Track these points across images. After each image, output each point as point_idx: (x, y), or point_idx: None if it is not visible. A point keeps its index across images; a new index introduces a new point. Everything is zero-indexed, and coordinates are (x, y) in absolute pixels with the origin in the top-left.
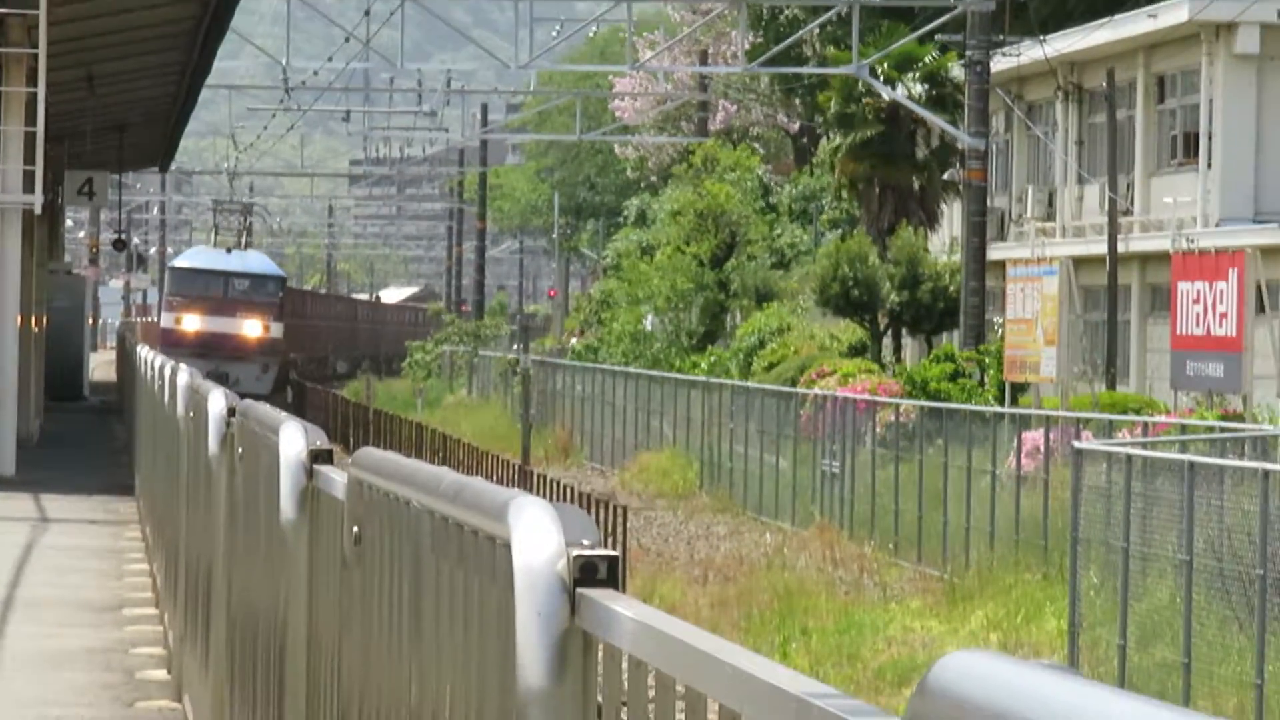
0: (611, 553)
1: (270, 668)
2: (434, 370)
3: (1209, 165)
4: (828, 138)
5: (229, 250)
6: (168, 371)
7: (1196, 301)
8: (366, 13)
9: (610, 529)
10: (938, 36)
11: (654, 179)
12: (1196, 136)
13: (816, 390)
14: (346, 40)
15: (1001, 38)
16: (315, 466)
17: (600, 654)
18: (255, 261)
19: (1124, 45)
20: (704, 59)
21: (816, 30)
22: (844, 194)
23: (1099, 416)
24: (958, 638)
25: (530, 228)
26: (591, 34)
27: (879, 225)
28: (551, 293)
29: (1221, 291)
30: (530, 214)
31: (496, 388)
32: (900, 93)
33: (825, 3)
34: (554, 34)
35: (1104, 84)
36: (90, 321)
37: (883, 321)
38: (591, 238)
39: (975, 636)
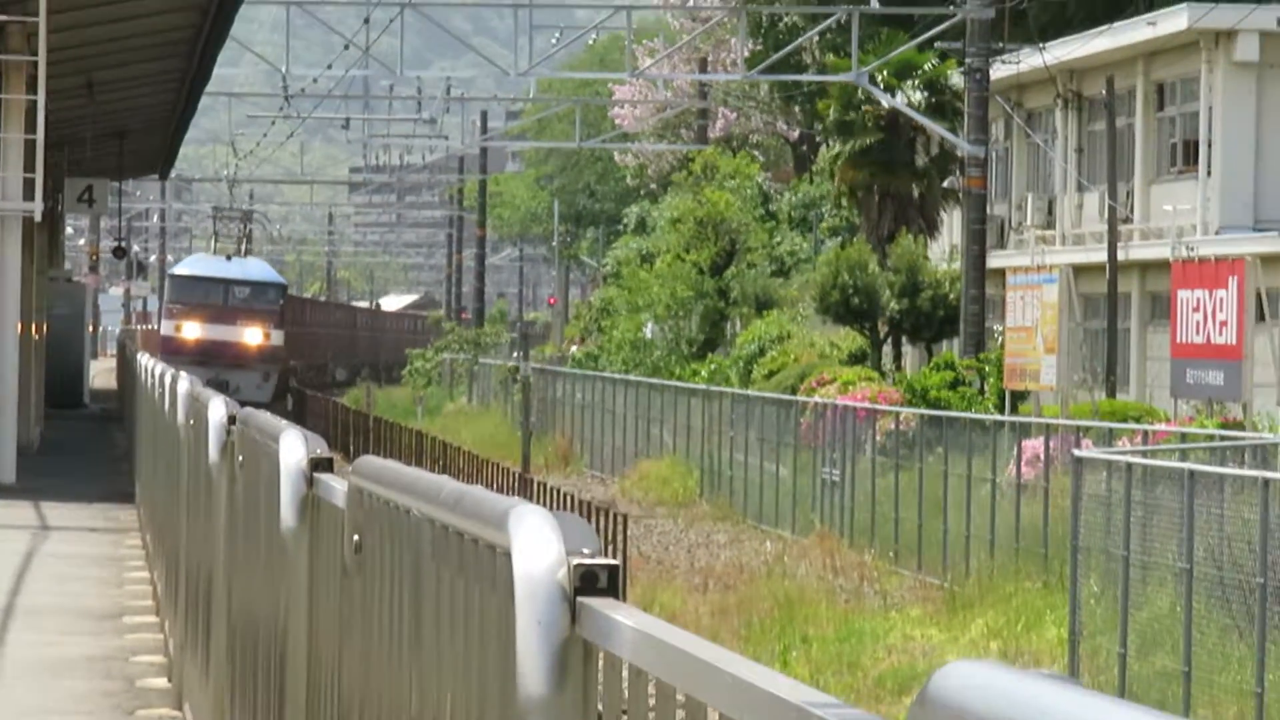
0: (612, 561)
1: (271, 675)
2: (434, 378)
3: (1209, 173)
4: (827, 145)
5: (229, 257)
6: (168, 379)
7: (1196, 309)
8: (366, 20)
9: (610, 537)
10: (937, 44)
11: (654, 186)
12: (1196, 144)
13: (816, 398)
14: (346, 48)
15: (1001, 45)
16: (316, 475)
17: (601, 663)
18: (255, 269)
19: (1123, 53)
20: (703, 66)
21: (816, 38)
22: (844, 202)
23: (1099, 424)
24: (958, 646)
25: (530, 235)
26: (591, 41)
27: (879, 233)
28: (551, 300)
29: (1221, 299)
30: (530, 221)
31: (496, 395)
32: (900, 100)
33: (825, 10)
34: (554, 41)
35: (1103, 91)
36: (90, 329)
37: (883, 329)
38: (591, 245)
39: (975, 645)
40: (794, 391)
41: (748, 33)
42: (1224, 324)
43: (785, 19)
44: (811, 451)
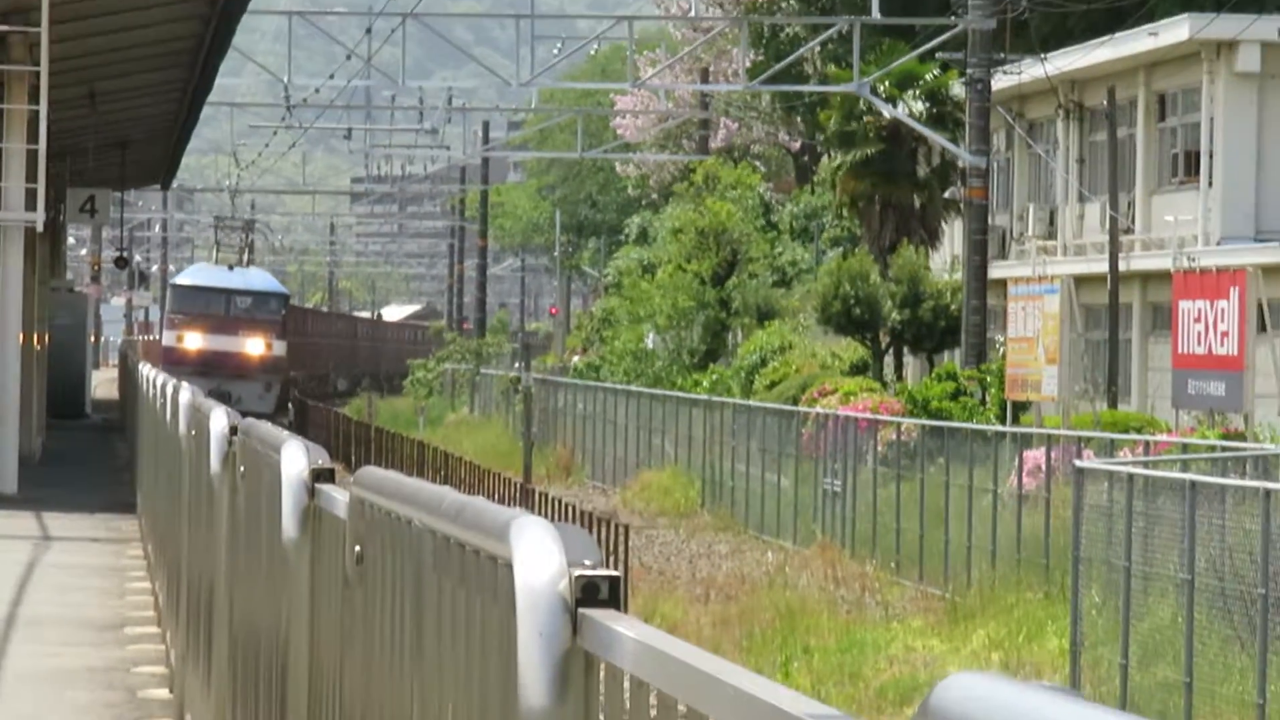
0: (613, 573)
1: (272, 686)
2: (436, 388)
3: (1210, 184)
4: (829, 156)
5: (231, 267)
6: (170, 389)
7: (1198, 320)
8: (368, 30)
9: (612, 548)
10: (938, 54)
11: (655, 197)
12: (1197, 155)
13: (818, 409)
14: (348, 58)
15: (1002, 56)
16: (317, 485)
17: (602, 674)
18: (258, 279)
19: (1125, 63)
20: (705, 77)
21: (817, 48)
22: (845, 212)
23: (1100, 435)
24: (959, 657)
25: (532, 245)
26: (593, 52)
27: (880, 243)
28: (553, 311)
29: (1223, 310)
30: (532, 232)
31: (498, 406)
32: (901, 111)
33: (826, 21)
34: (555, 52)
35: (1105, 102)
36: (92, 339)
37: (884, 340)
38: (593, 255)
39: (977, 655)
40: (795, 402)
41: (749, 43)
42: (1225, 335)
43: (787, 30)
44: (813, 462)
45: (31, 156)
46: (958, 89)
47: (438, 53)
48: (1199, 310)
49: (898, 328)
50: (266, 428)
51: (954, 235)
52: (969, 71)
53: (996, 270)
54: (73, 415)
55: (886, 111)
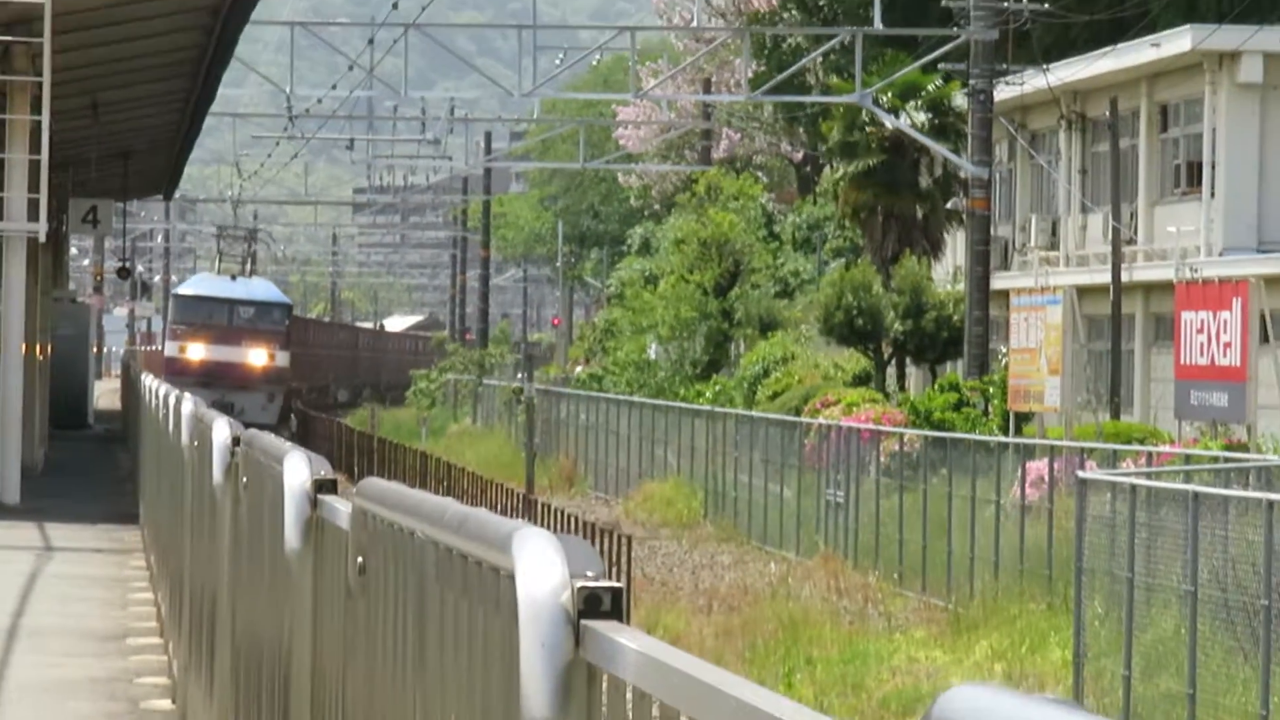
0: (615, 584)
1: (275, 697)
2: (438, 399)
3: (1212, 194)
4: (831, 166)
5: (234, 277)
6: (172, 400)
7: (1200, 331)
8: (370, 41)
9: (614, 559)
10: (941, 65)
11: (657, 207)
12: (1200, 166)
13: (821, 420)
14: (350, 68)
15: (1004, 67)
16: (320, 496)
17: (604, 686)
18: (260, 289)
19: (1127, 74)
20: (707, 87)
21: (819, 59)
22: (847, 223)
23: (1103, 446)
24: (962, 668)
25: (534, 256)
26: (595, 62)
27: (882, 254)
28: (555, 321)
29: (1225, 321)
30: (534, 242)
31: (501, 417)
32: (903, 121)
33: (828, 31)
34: (557, 62)
35: (1107, 113)
36: (94, 350)
37: (886, 351)
38: (595, 266)
39: (980, 667)
40: (798, 413)
41: (751, 54)
42: (1228, 345)
43: (789, 40)
44: (816, 473)
45: (34, 167)
46: (960, 100)
47: (440, 63)
48: (1201, 321)
49: (900, 338)
50: (269, 439)
51: (956, 246)
52: (971, 82)
53: (999, 281)
54: (75, 426)
55: (889, 122)
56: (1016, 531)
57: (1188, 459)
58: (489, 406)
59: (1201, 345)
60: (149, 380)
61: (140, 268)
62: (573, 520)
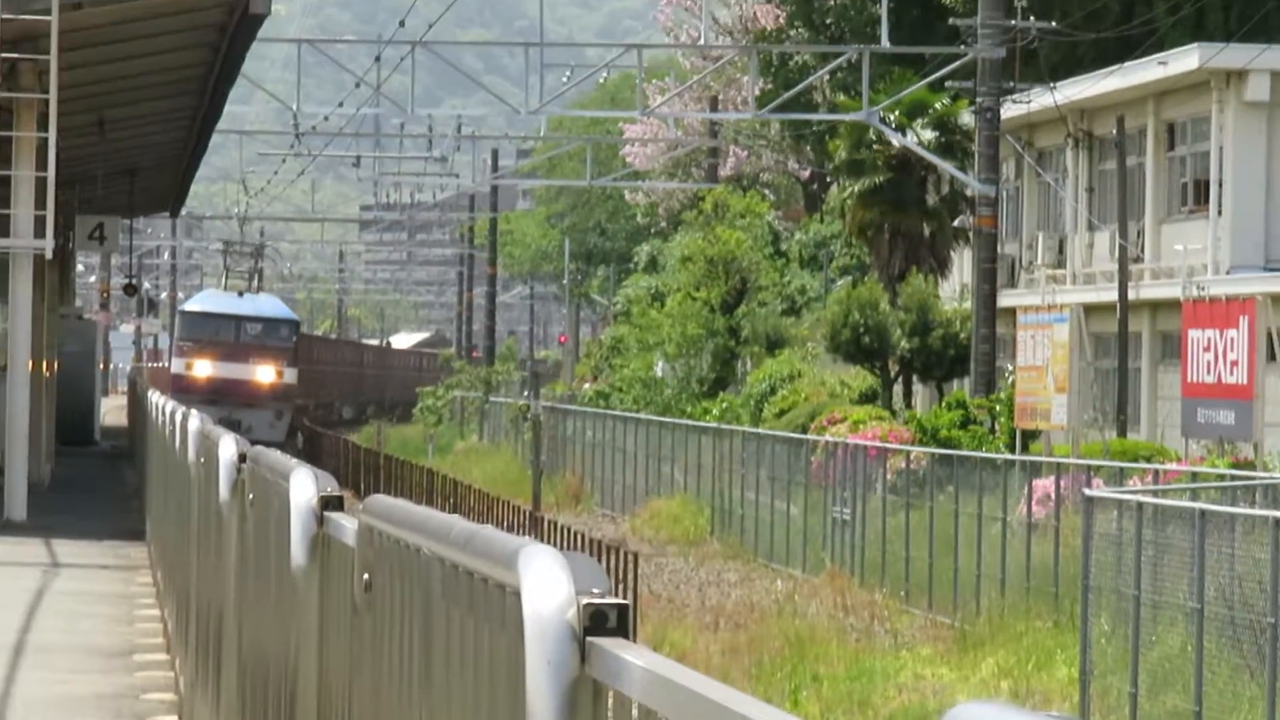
0: (622, 601)
1: (281, 714)
2: (445, 416)
3: (1219, 212)
4: (838, 184)
5: (241, 294)
6: (178, 417)
7: (1207, 349)
8: (377, 58)
9: (621, 576)
10: (948, 83)
11: (664, 225)
12: (1207, 184)
13: (827, 437)
14: (357, 86)
15: (1011, 85)
16: (326, 513)
17: (610, 703)
18: (268, 305)
19: (1134, 92)
20: (714, 105)
21: (826, 77)
22: (854, 240)
23: (1110, 464)
24: (969, 685)
25: (541, 273)
26: (602, 80)
27: (889, 272)
28: (562, 339)
29: (1232, 339)
30: (541, 259)
31: (507, 434)
32: (910, 139)
33: (835, 49)
34: (564, 80)
35: (1114, 131)
36: (101, 366)
37: (893, 368)
38: (602, 283)
39: (986, 684)
40: (805, 430)
41: (758, 72)
42: (1235, 364)
43: (796, 58)
44: (822, 490)
45: (40, 184)
46: (967, 118)
47: (447, 81)
48: (1208, 339)
49: (907, 356)
50: (275, 455)
51: (963, 264)
52: (978, 100)
53: (1006, 299)
54: (82, 442)
55: (896, 140)
56: (1023, 549)
57: (1194, 477)
58: (495, 424)
59: (1208, 363)
60: (155, 397)
61: (147, 284)
62: (579, 537)
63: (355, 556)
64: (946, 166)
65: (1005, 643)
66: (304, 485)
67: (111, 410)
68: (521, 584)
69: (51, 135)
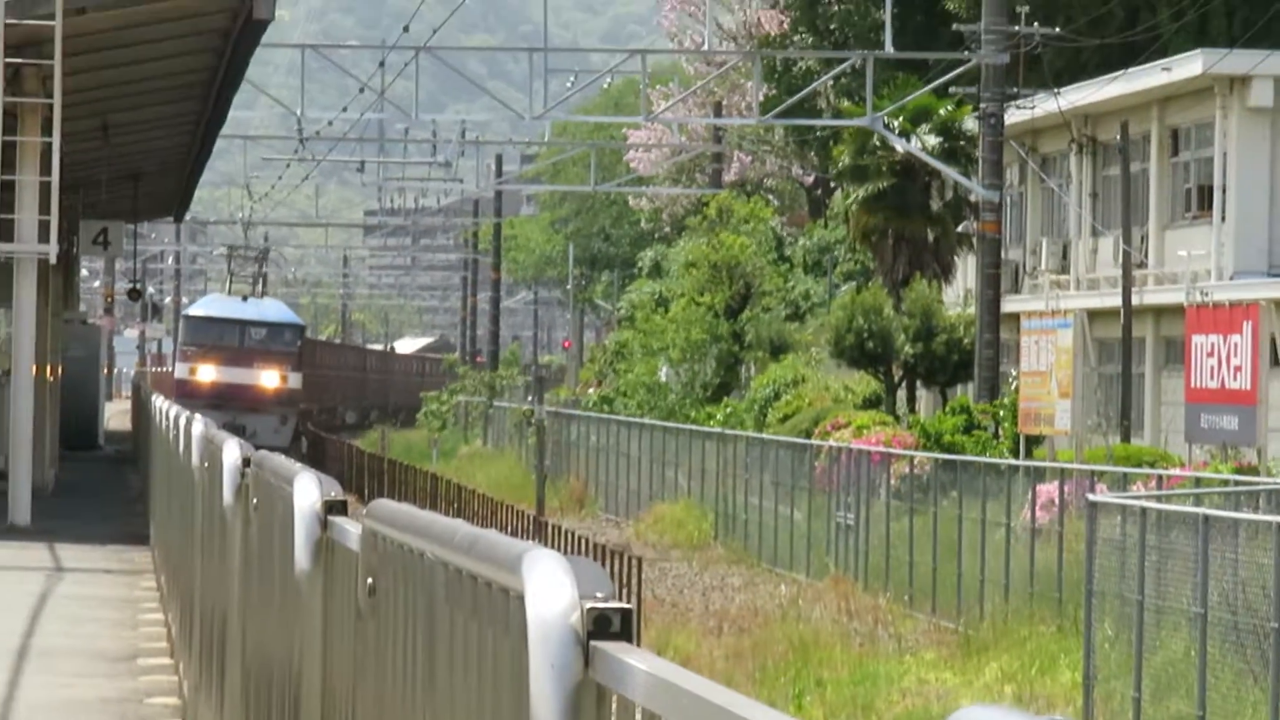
0: (625, 605)
1: (285, 718)
2: (449, 421)
3: (1223, 218)
4: (842, 190)
5: (245, 298)
6: (182, 421)
7: (1211, 354)
8: (381, 64)
9: (625, 580)
10: (952, 89)
11: (668, 230)
12: (1210, 189)
13: (831, 442)
14: (361, 91)
15: (1015, 90)
16: (330, 518)
17: (614, 707)
18: (272, 309)
19: (1138, 98)
20: (718, 111)
21: (830, 82)
22: (858, 246)
23: (1113, 469)
24: (972, 690)
25: (545, 279)
26: (606, 85)
27: (893, 277)
28: (566, 344)
29: (1236, 344)
30: (545, 265)
31: (511, 438)
32: (914, 145)
33: (839, 55)
34: (568, 85)
35: (1118, 137)
36: (105, 371)
37: (897, 374)
38: (606, 288)
39: (990, 688)
40: (808, 435)
41: (762, 77)
42: (1238, 369)
43: (800, 64)
44: (826, 495)
45: (44, 188)
46: (971, 123)
47: (451, 86)
48: (1212, 344)
49: (911, 361)
50: (279, 460)
51: (967, 269)
52: (982, 106)
53: (1009, 304)
54: (85, 447)
55: (899, 146)
56: (1027, 554)
57: (1198, 482)
58: (499, 428)
59: (1212, 369)
60: (159, 402)
61: (151, 289)
62: (583, 542)
63: (359, 561)
64: (950, 172)
65: (1009, 647)
66: (308, 490)
67: (115, 415)
68: (525, 588)
69: (55, 140)
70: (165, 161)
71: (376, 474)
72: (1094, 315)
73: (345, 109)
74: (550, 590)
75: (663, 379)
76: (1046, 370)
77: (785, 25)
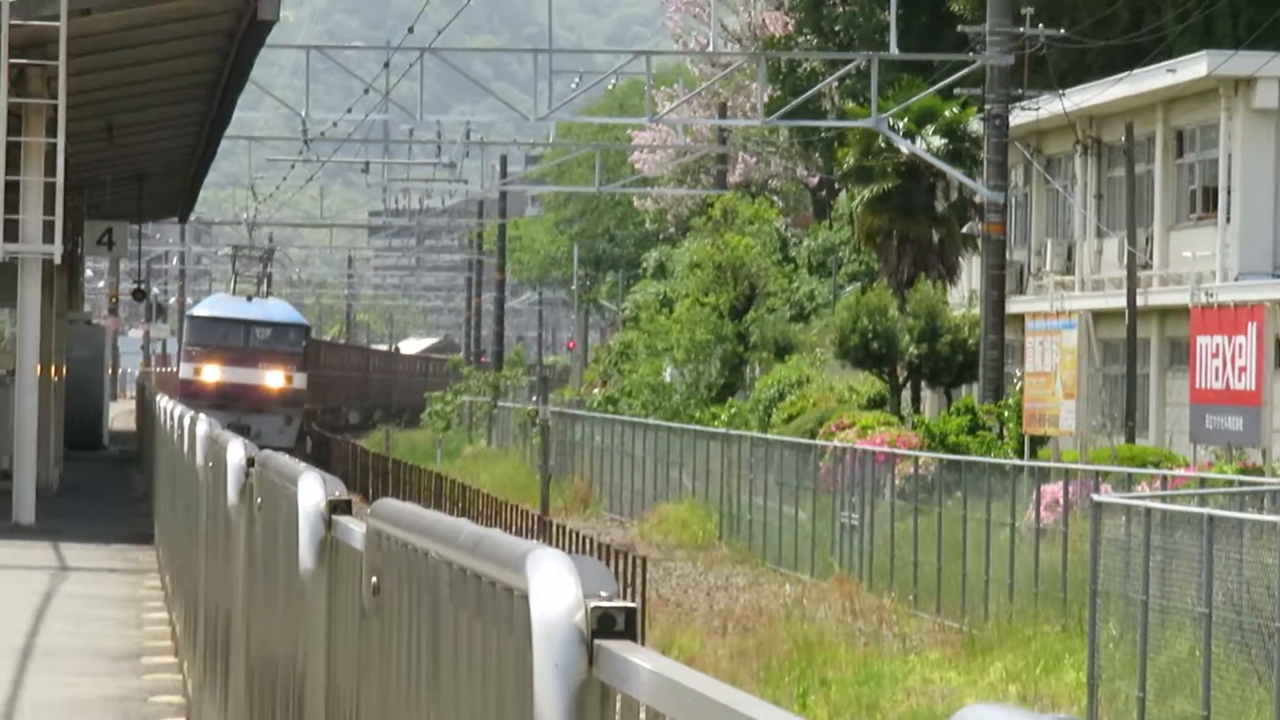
0: (629, 604)
1: (289, 717)
2: (453, 421)
3: (1228, 219)
4: (846, 191)
5: (250, 298)
6: (187, 421)
7: (1215, 355)
8: (386, 65)
9: (629, 580)
10: (957, 90)
11: (673, 231)
12: (1215, 191)
13: (835, 442)
14: (366, 92)
15: (1020, 92)
16: (334, 517)
17: (618, 706)
18: (277, 309)
19: (1143, 99)
20: (723, 112)
21: (835, 84)
22: (863, 247)
23: (1118, 470)
24: (977, 689)
25: (549, 279)
26: (610, 86)
27: (898, 278)
28: (570, 344)
29: (1240, 345)
30: (549, 265)
31: (515, 439)
32: (919, 146)
33: (844, 56)
34: (573, 86)
35: (1123, 138)
36: (109, 371)
37: (902, 374)
38: (611, 289)
39: (994, 688)
40: (813, 435)
41: (767, 78)
42: (1243, 370)
43: (804, 65)
44: (830, 495)
45: (49, 189)
46: (976, 125)
47: (455, 87)
48: (1217, 345)
49: (915, 362)
50: (283, 459)
51: (972, 270)
52: (987, 107)
53: (1014, 305)
54: (90, 447)
55: (904, 147)
56: (1031, 554)
57: (1202, 482)
58: (504, 429)
59: (1217, 369)
60: (164, 402)
61: (155, 290)
62: (587, 542)
63: (363, 560)
64: (955, 173)
65: (1013, 647)
66: (312, 489)
67: (120, 415)
68: (529, 587)
69: (60, 140)
70: (170, 162)
71: (381, 474)
72: (1099, 316)
73: (350, 110)
74: (555, 589)
75: (667, 379)
76: (1051, 371)
77: (790, 26)
